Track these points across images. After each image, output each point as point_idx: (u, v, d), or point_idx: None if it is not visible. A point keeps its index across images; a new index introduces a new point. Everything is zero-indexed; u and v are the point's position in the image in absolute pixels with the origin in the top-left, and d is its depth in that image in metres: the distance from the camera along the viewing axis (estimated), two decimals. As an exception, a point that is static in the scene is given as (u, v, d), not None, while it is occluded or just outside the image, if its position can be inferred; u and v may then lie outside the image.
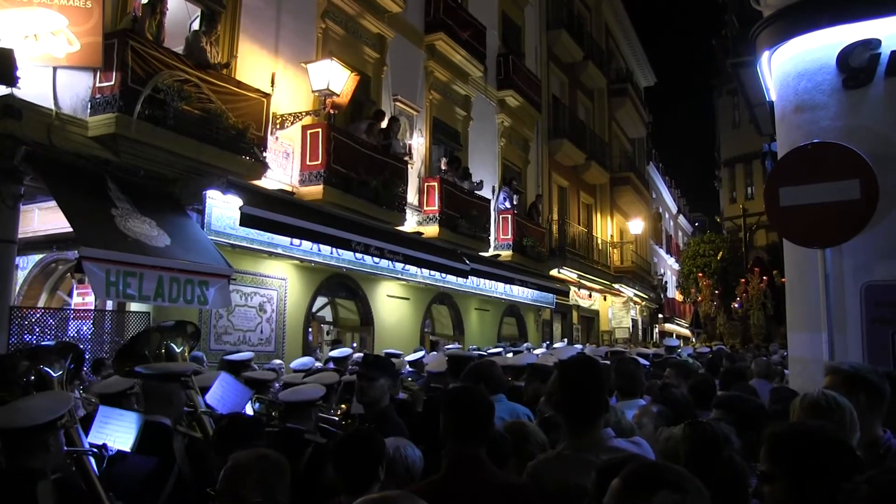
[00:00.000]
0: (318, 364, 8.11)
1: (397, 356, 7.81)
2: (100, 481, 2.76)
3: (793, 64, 5.24)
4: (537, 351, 10.12)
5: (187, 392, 3.80)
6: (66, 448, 2.76)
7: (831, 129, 4.85)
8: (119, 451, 3.10)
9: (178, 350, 4.09)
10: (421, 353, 8.93)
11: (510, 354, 9.07)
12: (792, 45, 5.23)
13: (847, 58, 4.76)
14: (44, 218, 8.84)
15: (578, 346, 12.95)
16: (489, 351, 9.60)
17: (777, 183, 4.75)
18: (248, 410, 4.54)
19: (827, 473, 1.77)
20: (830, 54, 4.87)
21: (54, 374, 3.16)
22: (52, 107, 7.52)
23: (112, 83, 7.67)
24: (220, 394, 4.19)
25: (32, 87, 7.30)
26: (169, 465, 3.19)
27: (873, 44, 4.68)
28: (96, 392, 4.20)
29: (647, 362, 7.63)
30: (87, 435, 3.16)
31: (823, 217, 4.45)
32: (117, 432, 3.28)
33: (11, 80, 6.82)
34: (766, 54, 5.59)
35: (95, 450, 2.94)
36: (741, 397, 3.54)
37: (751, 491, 2.16)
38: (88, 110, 7.79)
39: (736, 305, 25.85)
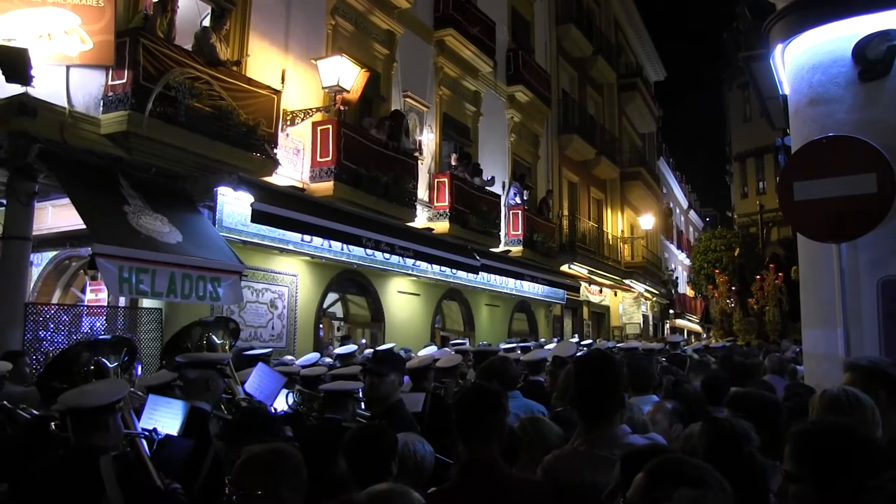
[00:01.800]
0: (328, 360, 8.13)
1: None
2: (150, 461, 3.09)
3: (807, 57, 5.19)
4: (549, 347, 10.07)
5: (225, 380, 4.11)
6: (123, 430, 3.09)
7: (846, 123, 4.80)
8: (167, 435, 3.40)
9: (218, 342, 4.46)
10: (433, 349, 8.94)
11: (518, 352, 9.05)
12: (806, 38, 5.17)
13: (863, 49, 4.69)
14: (57, 215, 8.90)
15: (574, 340, 12.91)
16: (502, 348, 9.57)
17: (791, 177, 4.70)
18: (286, 402, 4.77)
19: (854, 472, 1.72)
20: (846, 46, 4.81)
21: (110, 366, 3.55)
22: (66, 105, 7.56)
23: (124, 81, 7.70)
24: (258, 382, 4.46)
25: (46, 85, 7.34)
26: (206, 446, 3.45)
27: (891, 35, 4.61)
28: (144, 384, 4.53)
29: None
30: (139, 420, 3.47)
31: (838, 212, 4.39)
32: (165, 418, 3.55)
33: (26, 79, 6.87)
34: (779, 47, 5.54)
35: (147, 433, 3.27)
36: (754, 393, 3.50)
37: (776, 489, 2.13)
38: (101, 108, 7.83)
39: (753, 301, 25.69)
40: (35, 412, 3.89)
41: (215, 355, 4.23)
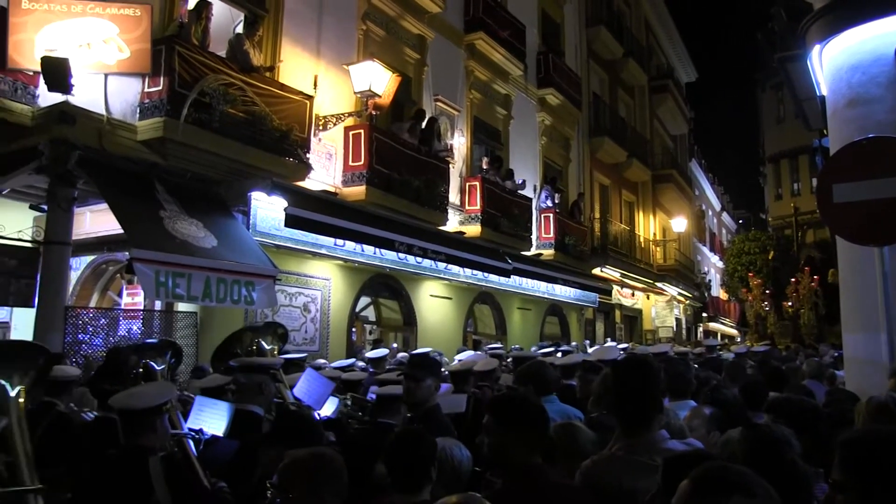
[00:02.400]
0: (361, 364, 8.18)
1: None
2: (197, 461, 3.19)
3: (846, 56, 5.10)
4: (591, 350, 10.02)
5: (276, 385, 4.19)
6: (171, 431, 3.19)
7: (888, 123, 4.71)
8: (213, 436, 3.51)
9: (267, 347, 4.59)
10: (469, 353, 8.95)
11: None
12: (845, 38, 5.09)
13: (906, 49, 4.61)
14: (95, 220, 9.07)
15: (611, 343, 12.79)
16: (539, 351, 9.52)
17: (830, 179, 4.61)
18: (331, 407, 4.81)
19: None
20: (887, 44, 4.73)
21: (157, 368, 3.68)
22: (104, 112, 7.72)
23: (160, 88, 7.83)
24: (306, 387, 4.53)
25: (85, 93, 7.50)
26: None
27: (934, 33, 4.52)
28: (198, 387, 4.65)
29: None
30: (186, 421, 3.57)
31: (881, 214, 4.29)
32: (212, 419, 3.66)
33: (67, 88, 7.04)
34: (816, 48, 5.46)
35: (194, 433, 3.37)
36: (794, 398, 3.44)
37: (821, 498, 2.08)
38: (137, 115, 7.97)
39: (788, 305, 25.27)
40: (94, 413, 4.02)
41: (268, 360, 4.33)
